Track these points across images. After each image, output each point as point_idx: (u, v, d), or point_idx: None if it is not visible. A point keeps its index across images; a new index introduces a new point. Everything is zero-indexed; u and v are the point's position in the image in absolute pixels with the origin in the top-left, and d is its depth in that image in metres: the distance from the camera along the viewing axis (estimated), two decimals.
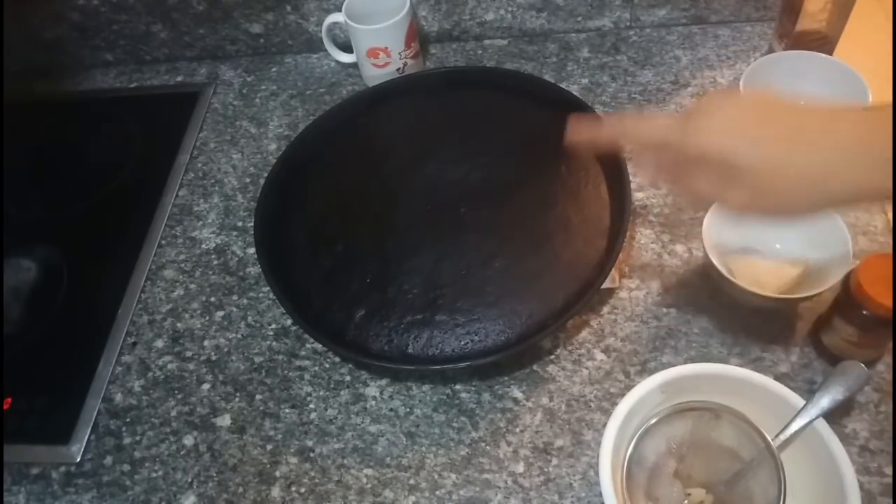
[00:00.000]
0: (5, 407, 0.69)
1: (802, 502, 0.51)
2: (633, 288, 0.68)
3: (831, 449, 0.50)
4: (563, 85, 0.83)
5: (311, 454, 0.63)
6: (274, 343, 0.70)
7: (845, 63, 0.73)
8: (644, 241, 0.71)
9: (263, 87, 0.93)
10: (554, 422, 0.62)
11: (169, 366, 0.70)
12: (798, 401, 0.52)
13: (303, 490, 0.61)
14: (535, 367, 0.65)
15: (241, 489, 0.62)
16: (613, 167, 0.69)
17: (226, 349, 0.70)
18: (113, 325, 0.73)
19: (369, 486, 0.61)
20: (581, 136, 0.54)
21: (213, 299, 0.74)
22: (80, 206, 0.84)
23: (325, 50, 0.91)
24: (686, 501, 0.55)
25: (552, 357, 0.65)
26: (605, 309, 0.68)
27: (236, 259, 0.77)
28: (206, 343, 0.71)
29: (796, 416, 0.51)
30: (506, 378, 0.65)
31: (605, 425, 0.52)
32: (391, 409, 0.65)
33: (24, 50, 0.97)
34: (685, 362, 0.59)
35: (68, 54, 0.98)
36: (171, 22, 0.93)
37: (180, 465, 0.64)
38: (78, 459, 0.65)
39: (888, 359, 0.61)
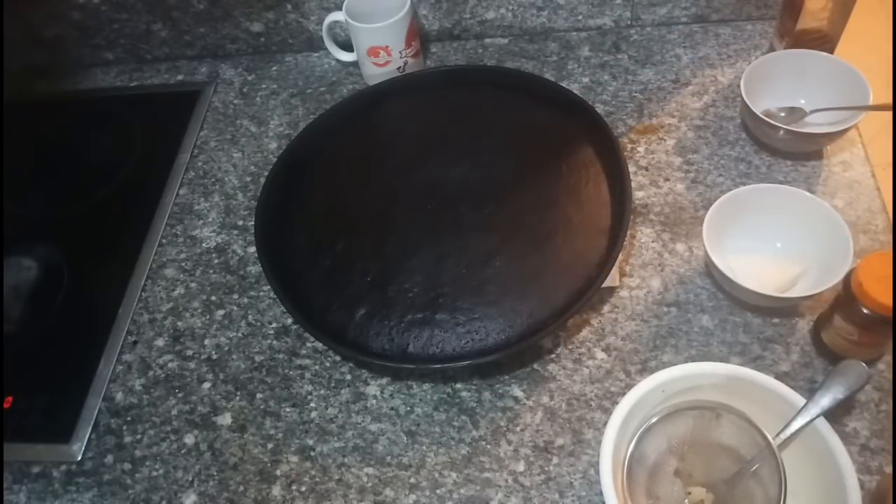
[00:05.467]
0: (6, 406, 0.69)
1: (803, 501, 0.51)
2: (633, 287, 0.68)
3: (832, 448, 0.50)
4: (563, 84, 0.82)
5: (312, 453, 0.63)
6: (274, 342, 0.70)
7: (846, 62, 0.73)
8: (645, 239, 0.71)
9: (264, 86, 0.93)
10: (554, 421, 0.62)
11: (170, 364, 0.70)
12: (799, 400, 0.52)
13: (303, 489, 0.61)
14: (535, 365, 0.65)
15: (241, 488, 0.62)
16: (614, 166, 0.69)
17: (226, 348, 0.70)
18: (113, 324, 0.73)
19: (370, 484, 0.61)
20: None
21: (213, 298, 0.74)
22: (80, 205, 0.84)
23: (326, 49, 0.91)
24: (686, 500, 0.55)
25: (553, 356, 0.65)
26: (606, 308, 0.67)
27: (237, 258, 0.77)
28: (206, 342, 0.71)
29: (797, 415, 0.51)
30: (506, 377, 0.65)
31: (605, 424, 0.52)
32: (392, 408, 0.65)
33: (24, 49, 0.97)
34: (686, 361, 0.59)
35: (68, 53, 0.98)
36: (171, 21, 0.93)
37: (181, 464, 0.64)
38: (79, 458, 0.65)
39: (889, 357, 0.61)
